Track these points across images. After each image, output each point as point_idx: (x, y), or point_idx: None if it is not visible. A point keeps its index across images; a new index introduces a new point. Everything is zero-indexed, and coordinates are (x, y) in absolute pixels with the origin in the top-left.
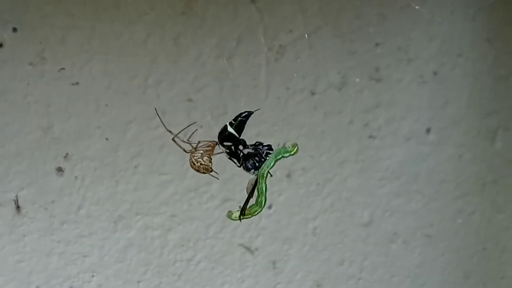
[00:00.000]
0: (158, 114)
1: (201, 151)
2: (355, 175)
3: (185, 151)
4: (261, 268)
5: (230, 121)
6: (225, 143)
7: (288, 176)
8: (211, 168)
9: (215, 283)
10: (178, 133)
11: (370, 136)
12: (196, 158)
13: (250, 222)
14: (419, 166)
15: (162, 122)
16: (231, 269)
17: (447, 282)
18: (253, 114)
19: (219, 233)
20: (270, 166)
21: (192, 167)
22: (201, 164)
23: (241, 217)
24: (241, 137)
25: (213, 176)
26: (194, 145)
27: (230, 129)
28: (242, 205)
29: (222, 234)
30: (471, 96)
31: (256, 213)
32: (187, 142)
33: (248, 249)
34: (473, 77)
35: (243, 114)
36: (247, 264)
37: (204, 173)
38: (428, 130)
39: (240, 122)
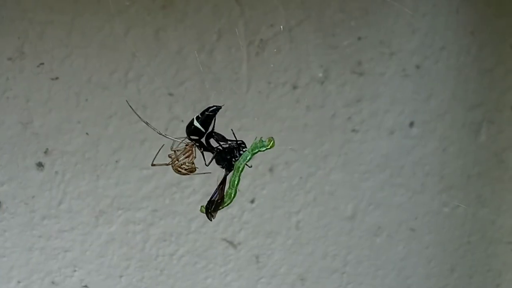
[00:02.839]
0: (132, 108)
1: (182, 158)
2: (338, 169)
3: (167, 164)
4: (244, 262)
5: (197, 115)
6: (192, 137)
7: (271, 170)
8: (195, 168)
9: (198, 277)
10: (154, 159)
11: (353, 130)
12: (178, 166)
13: (232, 216)
14: (403, 159)
15: (140, 117)
16: (214, 263)
17: (432, 275)
18: (235, 109)
19: (201, 228)
20: (247, 160)
21: (179, 174)
22: (185, 169)
23: (209, 211)
24: (214, 130)
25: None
26: (173, 156)
27: (196, 123)
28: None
29: (205, 228)
30: (455, 89)
31: (224, 205)
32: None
33: (231, 243)
34: (456, 70)
35: (211, 109)
36: (230, 258)
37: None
38: (411, 124)
39: (207, 116)
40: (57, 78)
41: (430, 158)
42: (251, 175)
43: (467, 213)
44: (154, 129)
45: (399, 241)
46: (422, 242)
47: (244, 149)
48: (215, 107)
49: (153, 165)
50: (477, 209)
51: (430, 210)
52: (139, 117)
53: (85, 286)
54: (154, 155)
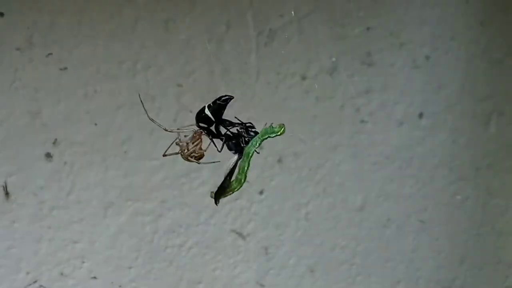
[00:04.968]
0: (142, 103)
1: (190, 146)
2: (347, 160)
3: (176, 153)
4: (253, 253)
5: (209, 103)
6: (201, 125)
7: (280, 161)
8: (203, 154)
9: (207, 268)
10: (166, 150)
11: (363, 121)
12: (187, 155)
13: (241, 208)
14: (413, 150)
15: (146, 112)
16: (223, 254)
17: (441, 267)
18: (244, 99)
19: (210, 219)
20: (257, 146)
21: (189, 161)
22: (195, 157)
23: (218, 197)
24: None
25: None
26: (181, 144)
27: (207, 111)
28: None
29: (214, 220)
30: (465, 80)
31: (234, 190)
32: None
33: (240, 234)
34: (466, 61)
35: (223, 98)
36: (239, 250)
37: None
38: (421, 115)
39: (218, 106)
40: (65, 68)
41: (439, 150)
42: (260, 166)
43: (477, 204)
44: (160, 125)
45: (409, 233)
46: (432, 234)
47: (253, 130)
48: (227, 97)
49: (164, 155)
50: (486, 201)
51: (439, 202)
52: (146, 114)
53: (94, 277)
54: (166, 146)
